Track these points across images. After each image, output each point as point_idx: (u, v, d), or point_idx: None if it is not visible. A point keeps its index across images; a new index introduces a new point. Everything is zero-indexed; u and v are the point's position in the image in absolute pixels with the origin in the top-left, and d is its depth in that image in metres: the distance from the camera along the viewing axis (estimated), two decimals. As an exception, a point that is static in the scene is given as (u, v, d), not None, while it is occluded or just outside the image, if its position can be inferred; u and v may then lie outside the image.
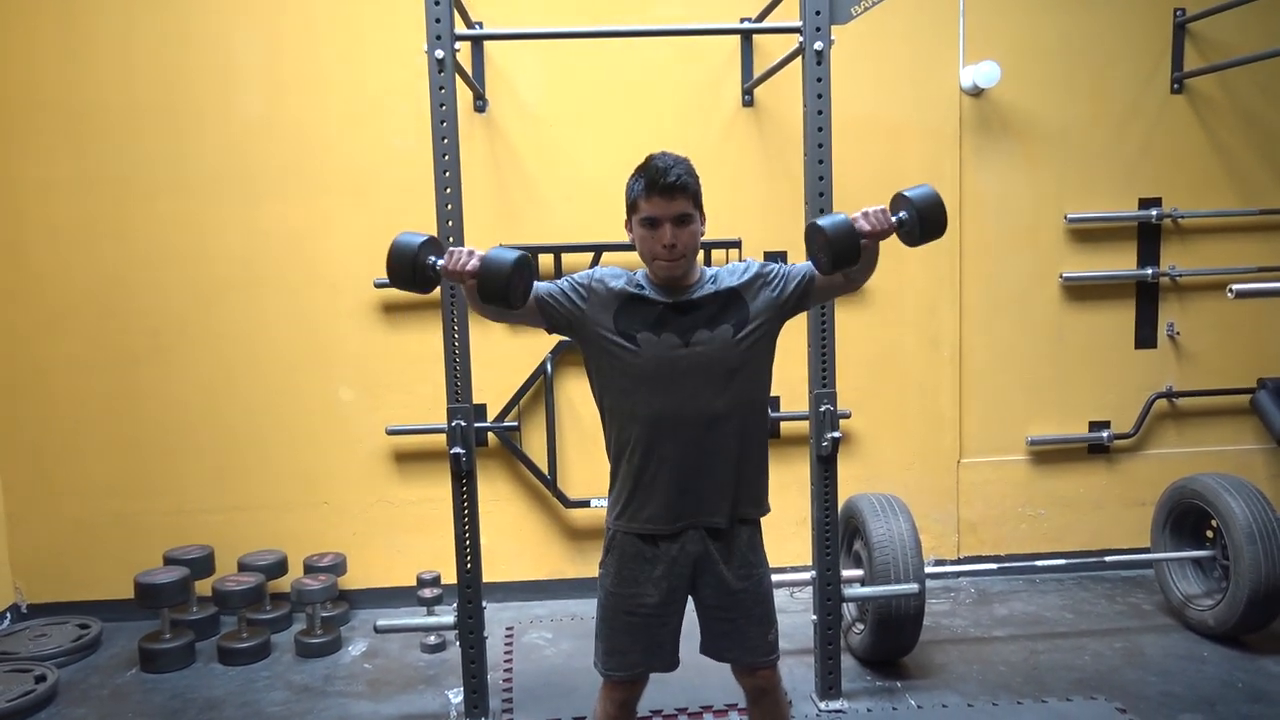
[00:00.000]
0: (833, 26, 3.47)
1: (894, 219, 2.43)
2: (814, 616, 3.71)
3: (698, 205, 2.42)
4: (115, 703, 3.94)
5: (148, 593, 4.21)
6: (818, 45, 3.44)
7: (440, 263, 2.37)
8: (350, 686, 4.03)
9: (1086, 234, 5.05)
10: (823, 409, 3.52)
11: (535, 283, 2.46)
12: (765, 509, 2.60)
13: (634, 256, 2.49)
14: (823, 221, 2.37)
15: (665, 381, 2.42)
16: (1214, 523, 4.21)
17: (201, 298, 4.72)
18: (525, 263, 2.34)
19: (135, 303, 4.70)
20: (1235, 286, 3.66)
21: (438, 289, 2.71)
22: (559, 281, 2.53)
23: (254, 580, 4.39)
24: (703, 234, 2.47)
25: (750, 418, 2.51)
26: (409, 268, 2.37)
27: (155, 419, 4.75)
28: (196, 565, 4.49)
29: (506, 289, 2.30)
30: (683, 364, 2.42)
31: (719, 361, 2.43)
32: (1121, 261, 5.07)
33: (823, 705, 3.67)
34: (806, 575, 3.77)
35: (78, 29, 4.57)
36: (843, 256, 2.37)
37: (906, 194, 2.43)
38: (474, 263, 2.32)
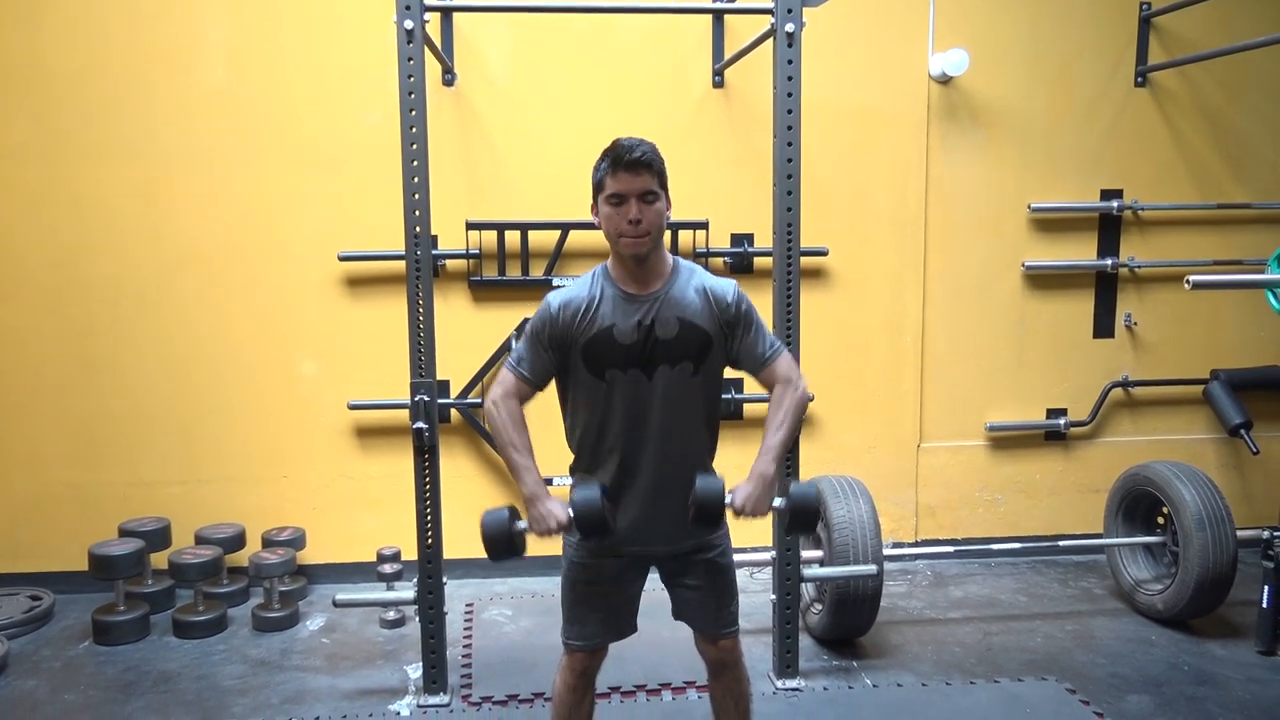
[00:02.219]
0: (805, 9, 3.46)
1: (775, 504, 2.46)
2: (773, 596, 3.75)
3: (663, 185, 2.41)
4: (68, 674, 3.90)
5: (102, 564, 4.16)
6: (789, 27, 3.44)
7: (525, 527, 2.44)
8: (308, 661, 4.01)
9: (1049, 224, 5.11)
10: (786, 391, 3.54)
11: (518, 365, 2.50)
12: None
13: (601, 236, 2.47)
14: (700, 486, 2.37)
15: (631, 410, 2.46)
16: (1165, 510, 4.30)
17: (162, 269, 4.64)
18: (606, 491, 2.39)
19: (93, 273, 4.62)
20: (1192, 278, 3.71)
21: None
22: (520, 349, 2.52)
23: (211, 553, 4.35)
24: (669, 216, 2.46)
25: (705, 435, 2.56)
26: (508, 544, 2.43)
27: (112, 390, 4.68)
28: (152, 538, 4.44)
29: (601, 524, 2.36)
30: (646, 395, 2.44)
31: (679, 392, 2.46)
32: (1082, 252, 5.14)
33: (780, 683, 3.71)
34: (767, 555, 3.80)
35: (36, -11, 4.47)
36: (706, 517, 2.38)
37: (792, 491, 2.47)
38: (561, 519, 2.39)
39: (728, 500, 2.39)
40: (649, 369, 2.44)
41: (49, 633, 4.30)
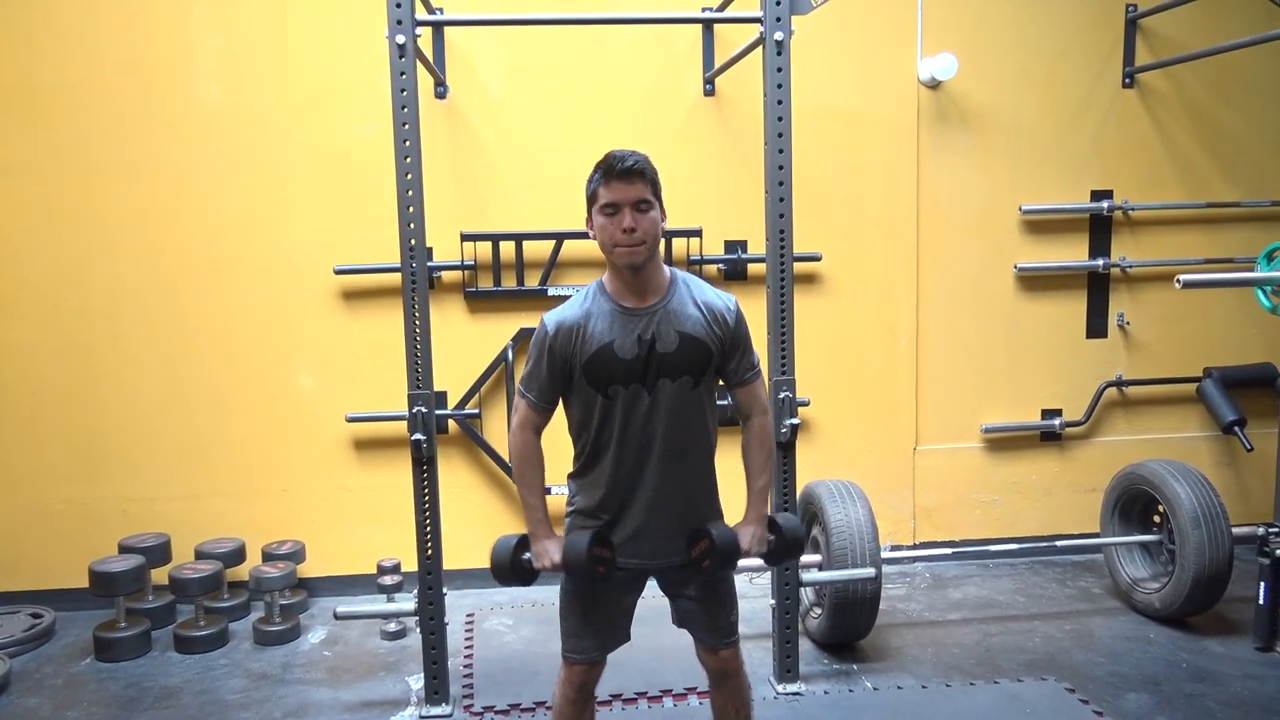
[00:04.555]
0: (793, 17, 3.50)
1: (769, 539, 2.61)
2: (772, 601, 3.77)
3: (656, 194, 2.43)
4: (70, 692, 3.90)
5: (103, 581, 4.16)
6: (778, 35, 3.47)
7: (530, 559, 2.58)
8: (309, 674, 4.02)
9: (1040, 225, 5.14)
10: (782, 396, 3.56)
11: (527, 393, 2.55)
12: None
13: (595, 245, 2.49)
14: (719, 537, 2.47)
15: (633, 424, 2.48)
16: (1161, 508, 4.32)
17: (160, 284, 4.66)
18: (599, 540, 2.47)
19: (92, 288, 4.63)
20: (1182, 277, 3.75)
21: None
22: (526, 373, 2.55)
23: (212, 568, 4.36)
24: (664, 226, 2.48)
25: (705, 445, 2.60)
26: (508, 571, 2.56)
27: (111, 406, 4.69)
28: (153, 553, 4.45)
29: (588, 573, 2.45)
30: (647, 410, 2.47)
31: (681, 406, 2.49)
32: (1074, 252, 5.17)
33: (780, 688, 3.72)
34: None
35: (34, 11, 4.48)
36: (725, 563, 2.50)
37: (784, 525, 2.63)
38: (555, 560, 2.50)
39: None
40: (650, 384, 2.45)
41: (50, 650, 4.30)
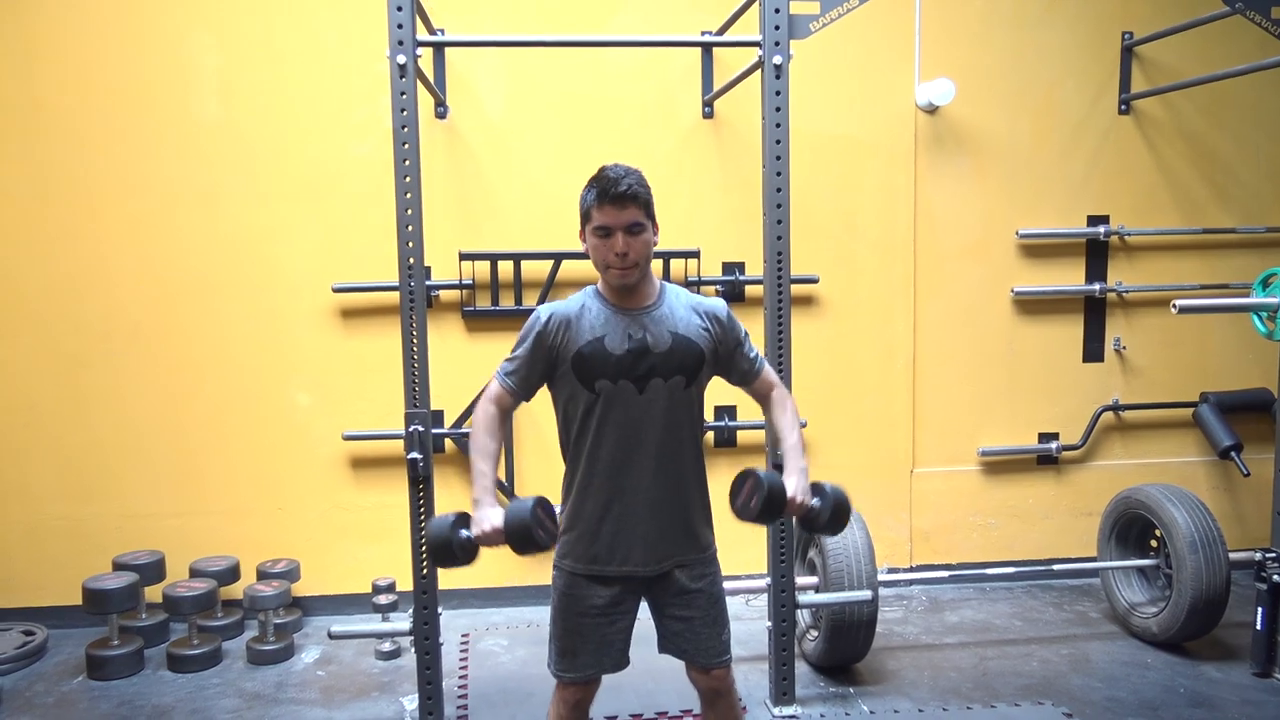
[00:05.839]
0: (792, 41, 3.52)
1: (812, 502, 2.53)
2: (769, 623, 3.75)
3: (649, 215, 2.45)
4: (61, 710, 3.87)
5: (96, 598, 4.14)
6: (777, 59, 3.50)
7: (470, 534, 2.45)
8: (303, 694, 3.99)
9: (1037, 249, 5.16)
10: (779, 417, 3.56)
11: (505, 377, 2.54)
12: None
13: (591, 265, 2.50)
14: (767, 478, 2.43)
15: (622, 422, 2.49)
16: (1158, 532, 4.32)
17: (155, 301, 4.67)
18: (540, 507, 2.38)
19: (87, 305, 4.64)
20: (1178, 302, 3.78)
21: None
22: (509, 359, 2.56)
23: (205, 586, 4.34)
24: (655, 243, 2.51)
25: (695, 448, 2.61)
26: (446, 549, 2.43)
27: (106, 423, 4.68)
28: (146, 571, 4.43)
29: (530, 540, 2.35)
30: (637, 409, 2.47)
31: (672, 406, 2.50)
32: (1070, 277, 5.19)
33: (776, 711, 3.70)
34: (762, 583, 3.80)
35: (31, 28, 4.51)
36: (774, 508, 2.44)
37: (828, 489, 2.54)
38: (498, 525, 2.38)
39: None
40: (641, 382, 2.46)
41: (42, 668, 4.28)
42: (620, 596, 2.58)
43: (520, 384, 2.54)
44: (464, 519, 2.47)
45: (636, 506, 2.51)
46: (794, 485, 2.49)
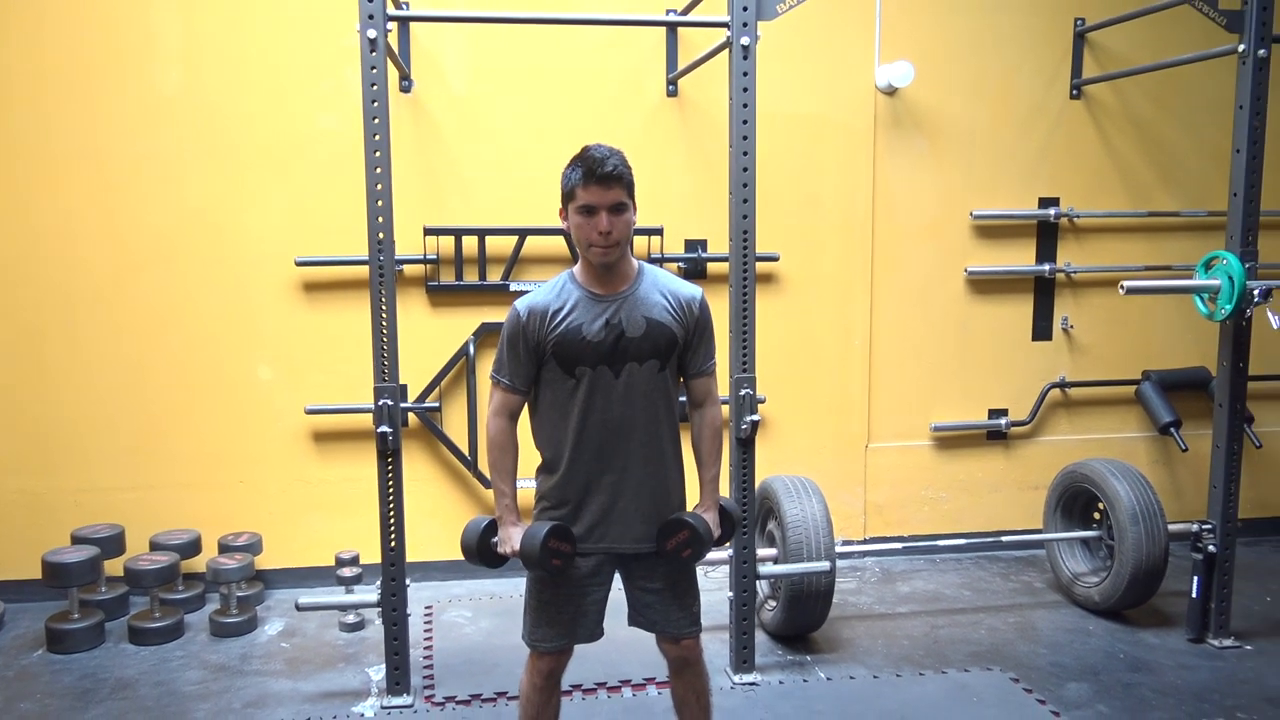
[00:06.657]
0: (759, 22, 3.57)
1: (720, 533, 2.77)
2: (729, 593, 3.85)
3: (631, 195, 2.51)
4: (22, 684, 3.86)
5: (55, 572, 4.12)
6: (744, 40, 3.54)
7: (496, 543, 2.70)
8: (268, 665, 4.01)
9: (990, 230, 5.29)
10: (742, 393, 3.64)
11: (503, 379, 2.64)
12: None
13: (558, 242, 2.55)
14: (697, 524, 2.60)
15: (599, 406, 2.56)
16: (1101, 505, 4.48)
17: (116, 272, 4.61)
18: (552, 536, 2.52)
19: (46, 276, 4.57)
20: (1126, 284, 3.91)
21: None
22: (499, 359, 2.64)
23: (167, 559, 4.33)
24: (634, 223, 2.57)
25: (671, 429, 2.68)
26: (473, 554, 2.69)
27: (65, 395, 4.63)
28: (107, 544, 4.40)
29: (543, 568, 2.54)
30: (613, 392, 2.55)
31: (646, 389, 2.59)
32: (1021, 257, 5.33)
33: (737, 678, 3.80)
34: (723, 554, 3.89)
35: (-16, -9, 4.42)
36: (701, 552, 2.62)
37: (728, 511, 2.78)
38: (516, 547, 2.59)
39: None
40: (617, 366, 2.53)
41: (0, 642, 4.25)
42: (597, 567, 2.65)
43: (521, 381, 2.62)
44: (494, 527, 2.70)
45: (616, 488, 2.58)
46: (713, 522, 2.69)
